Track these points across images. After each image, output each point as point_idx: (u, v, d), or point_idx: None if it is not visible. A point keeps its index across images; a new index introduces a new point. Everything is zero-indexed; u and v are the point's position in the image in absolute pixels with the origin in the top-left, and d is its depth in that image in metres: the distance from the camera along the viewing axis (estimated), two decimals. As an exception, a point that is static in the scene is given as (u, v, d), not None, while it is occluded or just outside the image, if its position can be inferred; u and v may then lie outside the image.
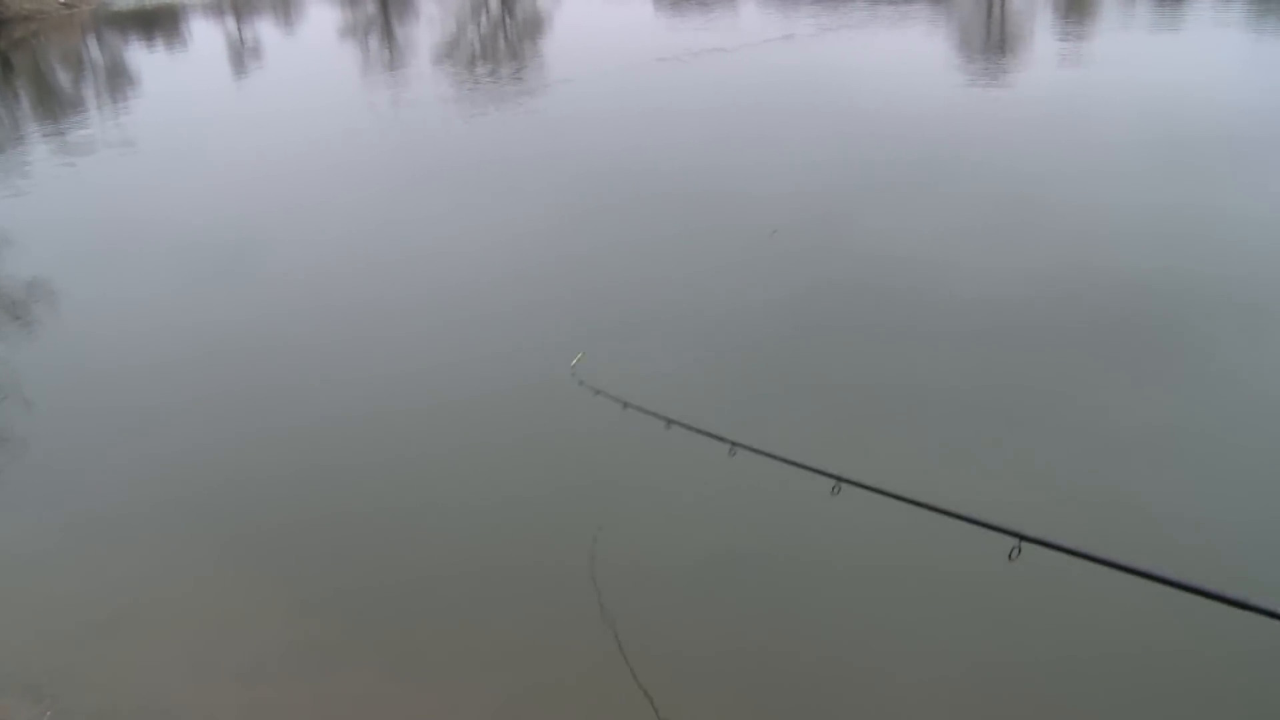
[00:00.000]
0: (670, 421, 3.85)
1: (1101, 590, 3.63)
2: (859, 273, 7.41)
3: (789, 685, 3.82)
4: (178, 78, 20.91)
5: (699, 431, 3.58)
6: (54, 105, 18.68)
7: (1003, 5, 24.60)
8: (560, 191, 10.00)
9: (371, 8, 30.23)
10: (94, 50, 26.25)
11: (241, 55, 23.19)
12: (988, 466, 5.00)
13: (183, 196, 11.25)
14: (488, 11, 28.58)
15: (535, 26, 24.93)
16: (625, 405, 4.33)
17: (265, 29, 28.02)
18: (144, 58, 24.29)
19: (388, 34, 24.78)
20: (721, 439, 3.30)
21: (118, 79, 21.30)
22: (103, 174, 12.76)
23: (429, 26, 25.50)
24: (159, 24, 30.69)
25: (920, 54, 16.82)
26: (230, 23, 29.51)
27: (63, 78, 21.94)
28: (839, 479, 2.82)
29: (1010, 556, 2.26)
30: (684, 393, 5.69)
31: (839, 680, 3.88)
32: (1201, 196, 8.71)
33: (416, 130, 13.56)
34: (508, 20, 26.68)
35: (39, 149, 14.56)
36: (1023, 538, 2.29)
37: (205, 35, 27.40)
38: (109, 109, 17.69)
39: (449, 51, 21.20)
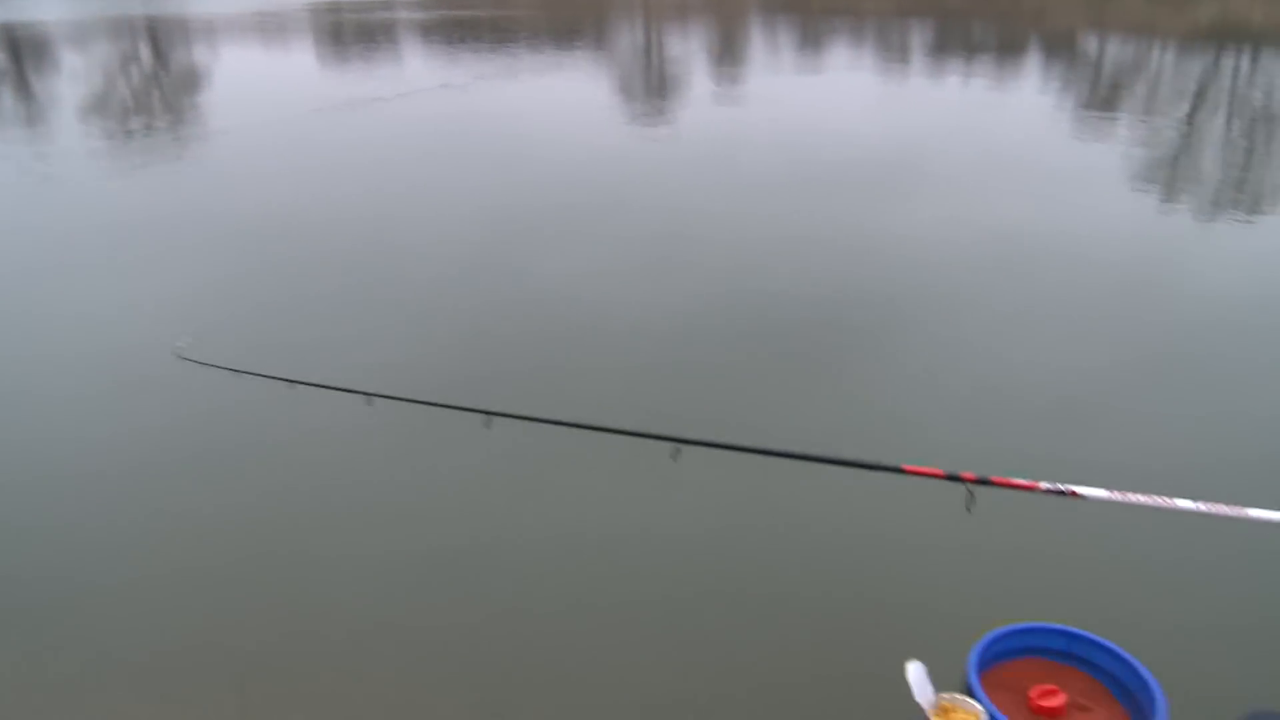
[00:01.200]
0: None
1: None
2: (527, 314, 7.51)
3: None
4: None
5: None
6: None
7: (660, 52, 25.90)
8: (220, 248, 9.52)
9: (0, 59, 27.89)
10: None
11: None
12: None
13: None
14: (139, 63, 27.04)
15: (191, 78, 23.76)
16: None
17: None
18: None
19: (24, 87, 22.90)
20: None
21: None
22: None
23: (73, 80, 23.74)
24: None
25: (580, 100, 17.39)
26: None
27: None
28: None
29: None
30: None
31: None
32: (842, 223, 9.49)
33: (63, 188, 12.58)
34: (161, 72, 25.34)
35: None
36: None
37: None
38: None
39: (98, 105, 19.84)
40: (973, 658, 2.93)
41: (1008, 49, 26.00)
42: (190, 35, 33.44)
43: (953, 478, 2.65)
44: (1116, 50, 25.88)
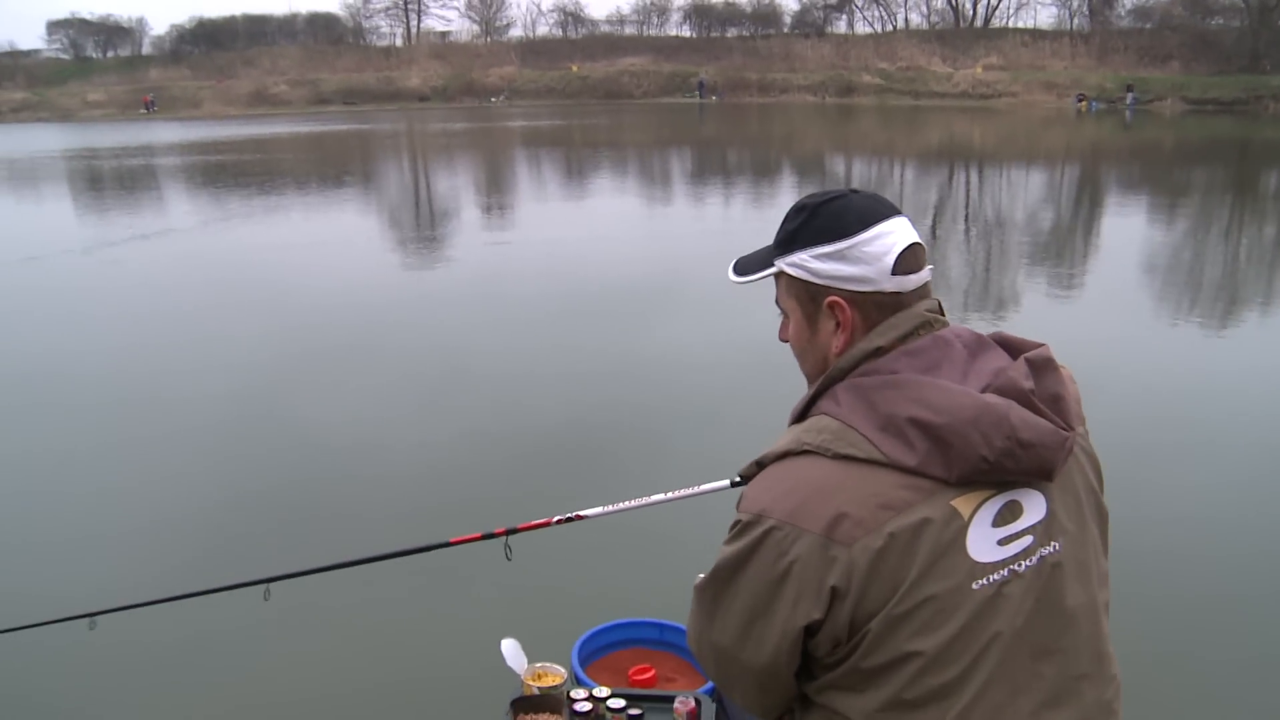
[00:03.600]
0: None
1: None
2: (310, 462, 7.04)
3: None
4: None
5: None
6: None
7: (429, 185, 25.92)
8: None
9: None
10: None
11: None
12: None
13: None
14: None
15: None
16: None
17: None
18: None
19: None
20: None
21: None
22: None
23: None
24: None
25: (349, 239, 16.82)
26: None
27: None
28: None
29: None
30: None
31: None
32: (610, 350, 9.45)
33: None
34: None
35: None
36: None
37: None
38: None
39: None
40: (575, 650, 3.49)
41: (763, 172, 27.33)
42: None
43: (489, 536, 3.03)
44: (862, 169, 27.62)
